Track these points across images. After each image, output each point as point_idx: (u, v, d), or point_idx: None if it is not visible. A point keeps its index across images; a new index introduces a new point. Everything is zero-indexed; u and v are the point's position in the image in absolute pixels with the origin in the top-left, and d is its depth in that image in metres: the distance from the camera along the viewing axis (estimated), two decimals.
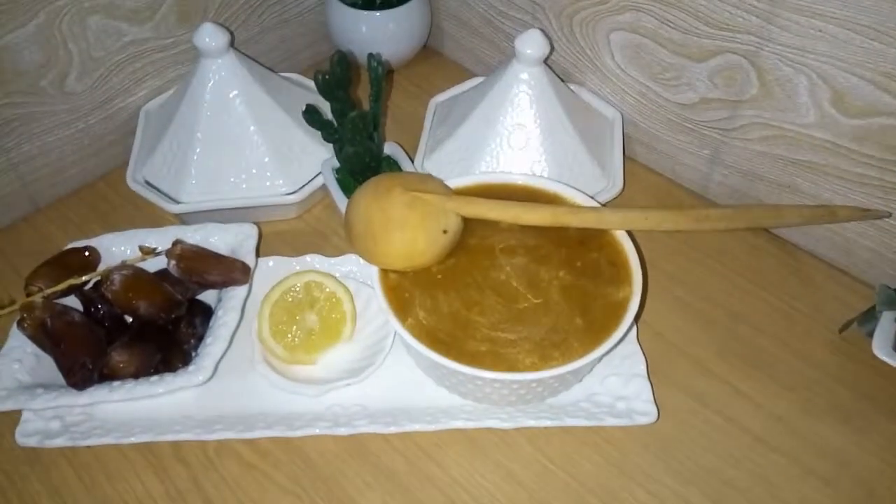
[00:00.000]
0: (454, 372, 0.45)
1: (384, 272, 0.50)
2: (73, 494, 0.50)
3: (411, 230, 0.48)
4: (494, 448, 0.52)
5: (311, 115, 0.55)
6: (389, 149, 0.65)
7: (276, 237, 0.67)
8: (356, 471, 0.51)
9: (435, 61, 0.86)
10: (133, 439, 0.50)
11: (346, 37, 0.79)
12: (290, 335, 0.53)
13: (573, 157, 0.64)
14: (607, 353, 0.46)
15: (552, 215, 0.51)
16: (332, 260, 0.61)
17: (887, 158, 0.56)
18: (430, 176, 0.53)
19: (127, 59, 0.69)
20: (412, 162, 0.65)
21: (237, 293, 0.52)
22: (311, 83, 0.74)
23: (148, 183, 0.66)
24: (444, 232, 0.49)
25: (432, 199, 0.49)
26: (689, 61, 0.64)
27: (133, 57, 0.70)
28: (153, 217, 0.66)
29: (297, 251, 0.65)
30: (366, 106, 0.65)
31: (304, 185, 0.66)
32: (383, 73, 0.55)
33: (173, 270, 0.51)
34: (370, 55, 0.56)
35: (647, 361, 0.55)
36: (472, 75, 0.81)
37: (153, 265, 0.54)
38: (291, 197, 0.65)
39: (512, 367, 0.45)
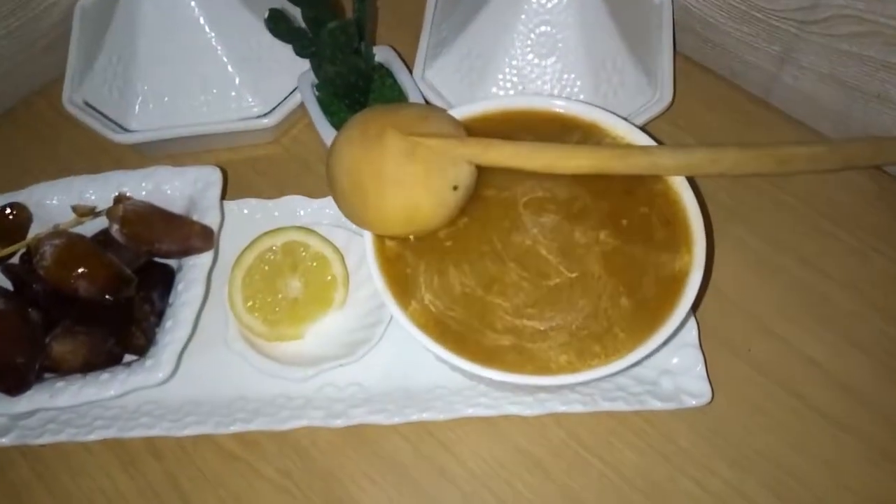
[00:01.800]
0: (471, 372, 0.36)
1: (379, 240, 0.40)
2: (31, 495, 0.44)
3: (411, 187, 0.38)
4: (518, 433, 0.44)
5: (277, 24, 0.42)
6: (381, 55, 0.52)
7: (249, 168, 0.56)
8: (356, 462, 0.44)
9: None
10: (93, 437, 0.42)
11: None
12: (269, 307, 0.44)
13: (612, 63, 0.51)
14: (661, 346, 0.37)
15: (593, 161, 0.39)
16: (318, 202, 0.50)
17: None
18: (432, 109, 0.41)
19: None
20: (410, 73, 0.52)
21: (199, 262, 0.43)
22: None
23: (89, 105, 0.54)
24: (455, 188, 0.38)
25: (438, 146, 0.38)
26: None
27: None
28: (103, 145, 0.55)
29: (275, 187, 0.55)
30: (348, 7, 0.51)
31: (278, 104, 0.54)
32: None
33: (117, 236, 0.41)
34: None
35: (698, 324, 0.46)
36: None
37: (94, 224, 0.44)
38: (265, 120, 0.53)
39: (542, 368, 0.36)
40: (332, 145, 0.40)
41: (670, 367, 0.45)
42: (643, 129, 0.44)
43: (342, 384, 0.45)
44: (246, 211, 0.49)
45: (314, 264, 0.45)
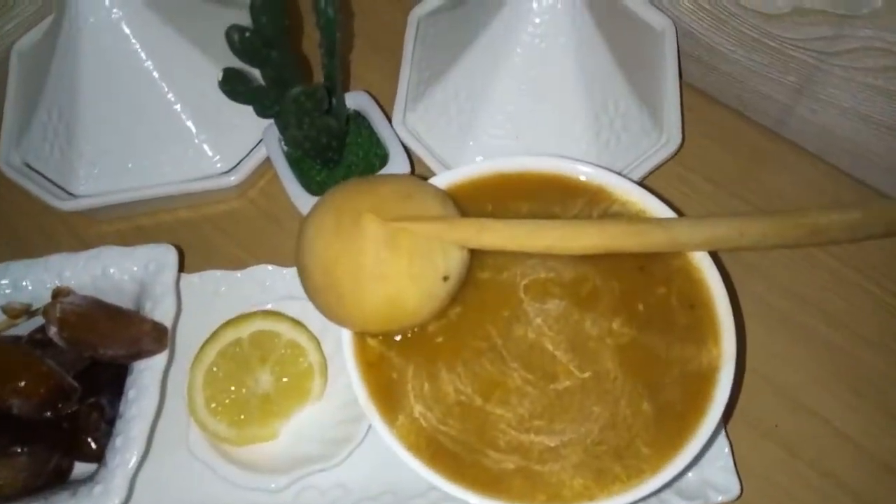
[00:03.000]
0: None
1: (359, 339, 0.35)
2: None
3: (395, 282, 0.32)
4: None
5: (233, 86, 0.37)
6: (356, 101, 0.47)
7: (212, 227, 0.50)
8: None
9: None
10: None
11: None
12: (236, 406, 0.39)
13: (614, 106, 0.46)
14: (693, 463, 0.32)
15: (603, 240, 0.34)
16: (290, 271, 0.45)
17: None
18: (416, 184, 0.35)
19: None
20: (390, 122, 0.47)
21: (152, 365, 0.37)
22: None
23: (29, 166, 0.48)
24: (445, 279, 0.33)
25: (424, 231, 0.32)
26: None
27: None
28: (46, 213, 0.49)
29: (243, 247, 0.49)
30: (313, 57, 0.45)
31: (243, 159, 0.48)
32: (335, 16, 0.36)
33: (56, 339, 0.35)
34: None
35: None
36: None
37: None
38: (230, 178, 0.47)
39: (555, 496, 0.31)
40: (302, 232, 0.34)
41: None
42: (645, 187, 0.38)
43: (324, 487, 0.40)
44: (209, 286, 0.44)
45: (286, 353, 0.40)
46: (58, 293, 0.36)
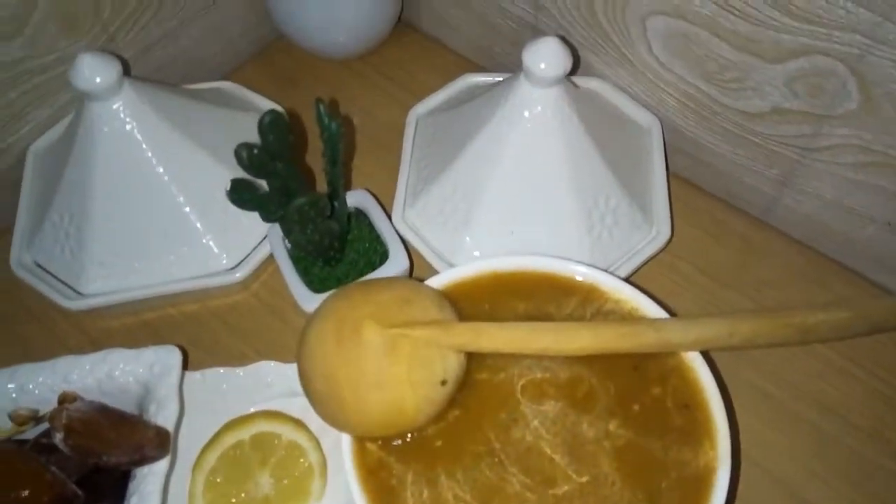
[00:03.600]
0: None
1: (359, 443, 0.35)
2: None
3: (394, 389, 0.33)
4: None
5: (240, 195, 0.38)
6: (356, 199, 0.49)
7: (217, 321, 0.51)
8: None
9: (412, 42, 0.67)
10: None
11: (291, 18, 0.60)
12: None
13: (605, 202, 0.48)
14: None
15: (596, 341, 0.35)
16: (292, 368, 0.45)
17: None
18: (414, 288, 0.37)
19: None
20: (389, 218, 0.48)
21: (154, 470, 0.37)
22: (254, 96, 0.57)
23: (39, 266, 0.49)
24: (443, 383, 0.34)
25: (423, 337, 0.34)
26: (759, 61, 0.46)
27: (4, 85, 0.51)
28: (53, 309, 0.50)
29: (246, 342, 0.50)
30: (315, 163, 0.47)
31: (248, 255, 0.49)
32: (338, 131, 0.38)
33: (61, 446, 0.36)
34: (318, 103, 0.38)
35: None
36: (461, 60, 0.63)
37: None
38: (234, 275, 0.49)
39: None
40: (304, 338, 0.35)
41: None
42: (636, 284, 0.40)
43: None
44: (212, 383, 0.44)
45: (286, 454, 0.40)
46: (64, 399, 0.37)
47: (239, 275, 0.48)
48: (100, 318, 0.51)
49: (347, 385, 0.33)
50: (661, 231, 0.49)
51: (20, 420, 0.37)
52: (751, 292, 0.51)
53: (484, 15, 0.60)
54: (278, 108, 0.54)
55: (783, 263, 0.53)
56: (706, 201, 0.56)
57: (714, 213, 0.55)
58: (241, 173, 0.37)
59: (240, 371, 0.45)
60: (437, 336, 0.34)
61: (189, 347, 0.48)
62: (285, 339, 0.50)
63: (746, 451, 0.45)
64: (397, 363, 0.33)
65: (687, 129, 0.55)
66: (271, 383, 0.45)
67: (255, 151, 0.36)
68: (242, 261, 0.49)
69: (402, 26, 0.67)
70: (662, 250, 0.49)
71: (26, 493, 0.34)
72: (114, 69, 0.43)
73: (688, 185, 0.57)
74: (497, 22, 0.60)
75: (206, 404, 0.43)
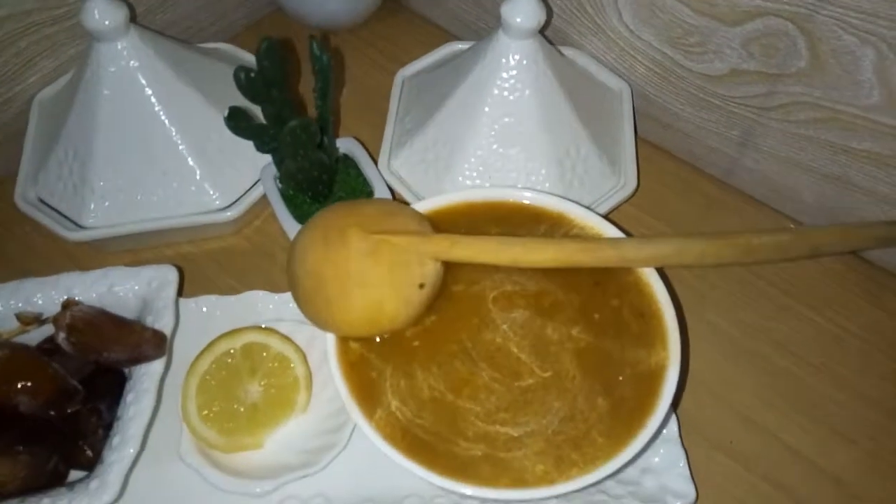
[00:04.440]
0: (442, 487, 0.34)
1: (342, 342, 0.38)
2: None
3: (376, 287, 0.36)
4: None
5: (237, 122, 0.42)
6: (345, 146, 0.52)
7: (210, 261, 0.54)
8: None
9: (400, 18, 0.71)
10: None
11: None
12: (226, 415, 0.41)
13: (576, 152, 0.51)
14: (643, 450, 0.35)
15: (560, 255, 0.39)
16: (280, 296, 0.48)
17: None
18: (396, 205, 0.40)
19: (6, 37, 0.54)
20: (376, 164, 0.52)
21: (150, 370, 0.40)
22: (246, 55, 0.60)
23: (43, 201, 0.52)
24: (421, 286, 0.37)
25: (403, 243, 0.37)
26: (719, 24, 0.50)
27: (13, 35, 0.54)
28: (57, 244, 0.53)
29: (238, 279, 0.53)
30: (310, 101, 0.51)
31: (240, 197, 0.52)
32: (329, 63, 0.41)
33: (64, 345, 0.38)
34: (311, 39, 0.42)
35: (678, 419, 0.44)
36: (446, 35, 0.67)
37: (41, 330, 0.41)
38: (227, 213, 0.51)
39: (518, 480, 0.34)
40: (293, 245, 0.38)
41: (652, 466, 0.43)
42: (608, 218, 0.43)
43: (306, 496, 0.42)
44: (205, 309, 0.47)
45: (274, 366, 0.43)
46: (67, 304, 0.40)
47: (230, 213, 0.51)
48: (98, 256, 0.53)
49: (333, 284, 0.36)
50: (628, 181, 0.53)
51: (26, 320, 0.40)
52: None
53: None
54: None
55: (743, 220, 0.56)
56: (673, 163, 0.60)
57: (679, 174, 0.59)
58: None
59: (231, 298, 0.48)
60: (415, 243, 0.37)
61: (184, 283, 0.51)
62: (274, 276, 0.53)
63: (706, 382, 0.48)
64: (379, 264, 0.36)
65: (655, 95, 0.58)
66: (260, 311, 0.48)
67: (252, 75, 0.39)
68: (235, 202, 0.52)
69: (390, 3, 0.71)
70: (628, 200, 0.53)
71: (30, 383, 0.37)
72: (121, 12, 0.46)
73: (656, 148, 0.61)
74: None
75: (199, 328, 0.46)
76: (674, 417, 0.44)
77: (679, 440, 0.43)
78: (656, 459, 0.42)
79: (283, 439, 0.43)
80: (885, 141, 0.48)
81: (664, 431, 0.43)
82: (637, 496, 0.41)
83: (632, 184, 0.53)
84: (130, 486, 0.40)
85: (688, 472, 0.42)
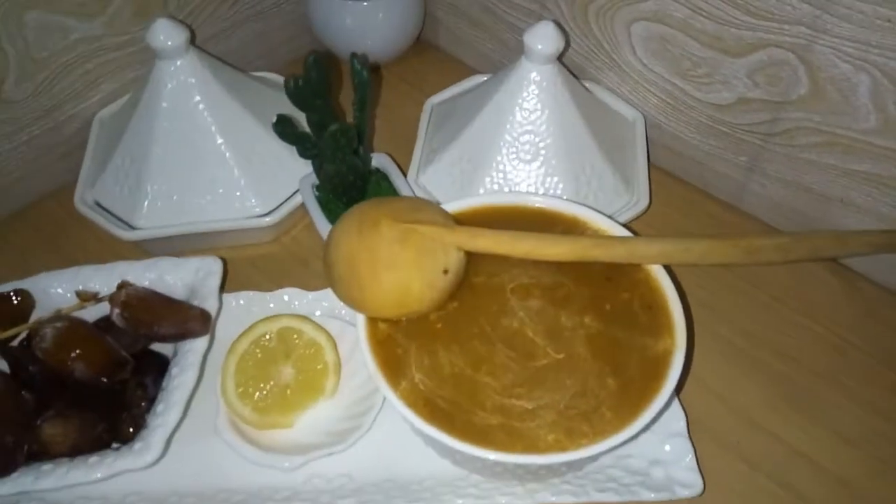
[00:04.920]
0: (460, 451, 0.36)
1: (372, 322, 0.41)
2: None
3: (404, 271, 0.40)
4: None
5: (283, 128, 0.46)
6: (378, 161, 0.56)
7: (249, 265, 0.58)
8: None
9: (430, 56, 0.76)
10: None
11: (330, 30, 0.70)
12: (261, 394, 0.45)
13: (591, 169, 0.55)
14: (648, 426, 0.37)
15: (573, 248, 0.42)
16: (313, 294, 0.52)
17: None
18: (424, 202, 0.44)
19: (76, 59, 0.60)
20: (405, 177, 0.56)
21: (195, 346, 0.44)
22: None
23: (99, 205, 0.57)
24: (445, 272, 0.40)
25: (429, 232, 0.40)
26: (725, 56, 0.55)
27: (82, 57, 0.60)
28: (110, 243, 0.57)
29: (273, 282, 0.57)
30: (349, 114, 0.56)
31: (280, 205, 0.57)
32: (368, 78, 0.46)
33: (117, 320, 0.42)
34: (353, 56, 0.46)
35: (686, 415, 0.46)
36: (473, 72, 0.72)
37: (96, 311, 0.45)
38: (266, 219, 0.56)
39: (531, 447, 0.36)
40: (330, 234, 0.42)
41: (661, 458, 0.45)
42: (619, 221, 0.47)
43: (331, 475, 0.44)
44: (242, 302, 0.51)
45: (307, 352, 0.46)
46: (122, 285, 0.44)
47: (269, 219, 0.55)
48: (146, 257, 0.57)
49: (365, 266, 0.40)
50: (640, 199, 0.56)
51: (85, 296, 0.44)
52: None
53: (494, 31, 0.70)
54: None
55: None
56: (684, 188, 0.63)
57: (690, 197, 0.63)
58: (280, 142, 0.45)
59: (267, 295, 0.52)
60: (441, 233, 0.41)
61: (225, 282, 0.55)
62: (307, 280, 0.56)
63: (713, 387, 0.50)
64: (407, 250, 0.40)
65: (667, 124, 0.63)
66: (295, 306, 0.51)
67: (300, 84, 0.44)
68: (274, 210, 0.56)
69: (422, 43, 0.76)
70: (640, 216, 0.56)
71: (81, 351, 0.41)
72: (183, 34, 0.52)
73: (668, 175, 0.64)
74: (506, 38, 0.69)
75: (236, 318, 0.50)
76: (682, 413, 0.46)
77: (688, 435, 0.45)
78: (665, 451, 0.45)
79: (311, 420, 0.46)
80: (882, 163, 0.51)
81: (674, 426, 0.45)
82: (646, 485, 0.43)
83: (644, 201, 0.56)
84: (169, 457, 0.43)
85: (695, 465, 0.44)
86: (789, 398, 0.50)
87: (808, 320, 0.53)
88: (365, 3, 0.67)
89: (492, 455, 0.36)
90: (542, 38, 0.51)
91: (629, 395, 0.38)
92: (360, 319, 0.41)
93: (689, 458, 0.44)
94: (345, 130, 0.45)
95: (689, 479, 0.43)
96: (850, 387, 0.50)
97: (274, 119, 0.46)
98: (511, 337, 0.40)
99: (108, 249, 0.57)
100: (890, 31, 0.46)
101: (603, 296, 0.42)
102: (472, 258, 0.43)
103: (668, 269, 0.44)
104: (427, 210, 0.42)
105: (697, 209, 0.62)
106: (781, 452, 0.47)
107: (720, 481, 0.45)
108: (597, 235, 0.44)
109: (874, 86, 0.48)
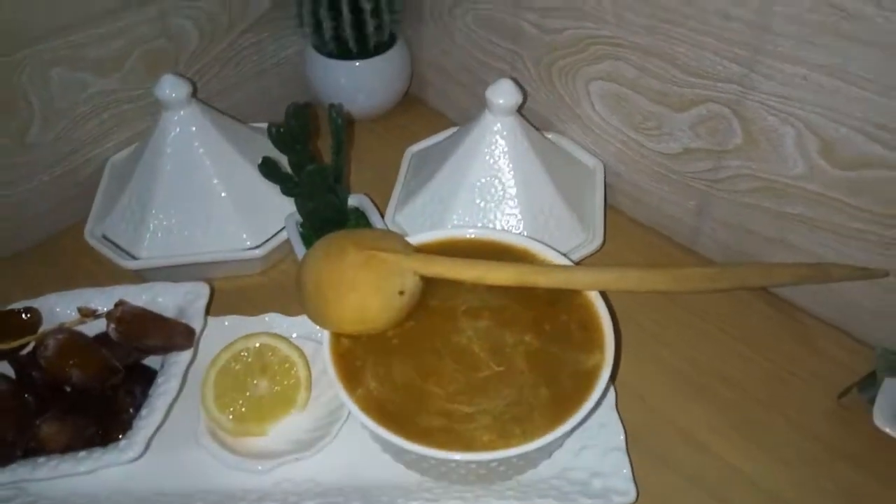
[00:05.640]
0: (404, 450, 0.41)
1: (335, 337, 0.46)
2: None
3: (364, 291, 0.45)
4: None
5: (268, 169, 0.53)
6: (358, 201, 0.62)
7: (238, 294, 0.63)
8: None
9: (417, 110, 0.84)
10: None
11: (325, 87, 0.77)
12: (237, 404, 0.49)
13: (549, 209, 0.61)
14: (573, 429, 0.42)
15: (517, 274, 0.47)
16: (292, 319, 0.57)
17: (886, 213, 0.52)
18: (389, 232, 0.50)
19: (92, 110, 0.67)
20: (381, 216, 0.62)
21: (180, 359, 0.49)
22: None
23: (106, 238, 0.63)
24: (401, 293, 0.46)
25: (388, 258, 0.46)
26: (669, 110, 0.61)
27: (99, 108, 0.68)
28: (114, 274, 0.63)
29: (259, 309, 0.62)
30: (328, 157, 0.62)
31: (268, 239, 0.63)
32: (343, 125, 0.53)
33: (112, 334, 0.48)
34: (330, 106, 0.53)
35: (626, 431, 0.50)
36: (453, 124, 0.79)
37: (97, 328, 0.51)
38: (254, 252, 0.62)
39: (468, 446, 0.41)
40: (304, 258, 0.48)
41: (601, 470, 0.48)
42: (565, 254, 0.52)
43: (298, 479, 0.49)
44: (227, 324, 0.56)
45: (282, 367, 0.51)
46: (119, 304, 0.49)
47: (258, 252, 0.61)
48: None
49: (330, 287, 0.45)
50: (595, 237, 0.62)
51: (85, 312, 0.49)
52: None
53: (471, 88, 0.77)
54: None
55: None
56: (641, 230, 0.69)
57: (647, 238, 0.68)
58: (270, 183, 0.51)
59: (250, 319, 0.57)
60: (399, 259, 0.46)
61: (213, 308, 0.60)
62: (290, 308, 0.62)
63: (652, 404, 0.54)
64: (369, 273, 0.45)
65: (625, 172, 0.68)
66: (274, 328, 0.56)
67: (282, 130, 0.50)
68: (263, 243, 0.62)
69: (410, 98, 0.84)
70: (595, 254, 0.61)
71: (78, 360, 0.46)
72: (186, 87, 0.59)
73: (629, 219, 0.70)
74: (481, 93, 0.74)
75: (219, 340, 0.55)
76: (622, 428, 0.50)
77: (625, 449, 0.49)
78: (605, 465, 0.48)
79: (283, 430, 0.50)
80: (813, 206, 0.56)
81: (614, 441, 0.49)
82: (585, 493, 0.47)
83: (598, 240, 0.62)
84: (152, 464, 0.48)
85: (630, 476, 0.48)
86: (728, 421, 0.53)
87: (750, 350, 0.58)
88: (357, 64, 0.75)
89: (433, 453, 0.40)
90: (503, 94, 0.58)
91: (559, 403, 0.43)
92: (326, 334, 0.46)
93: (626, 471, 0.48)
94: (320, 171, 0.51)
95: (623, 487, 0.47)
96: (788, 413, 0.54)
97: (260, 160, 0.52)
98: (459, 352, 0.45)
99: (112, 277, 0.63)
100: (807, 88, 0.51)
101: (544, 317, 0.47)
102: (430, 284, 0.48)
103: (604, 295, 0.49)
104: (389, 239, 0.48)
105: (656, 251, 0.67)
106: (718, 469, 0.51)
107: (657, 494, 0.49)
108: (540, 263, 0.49)
109: (797, 136, 0.54)
